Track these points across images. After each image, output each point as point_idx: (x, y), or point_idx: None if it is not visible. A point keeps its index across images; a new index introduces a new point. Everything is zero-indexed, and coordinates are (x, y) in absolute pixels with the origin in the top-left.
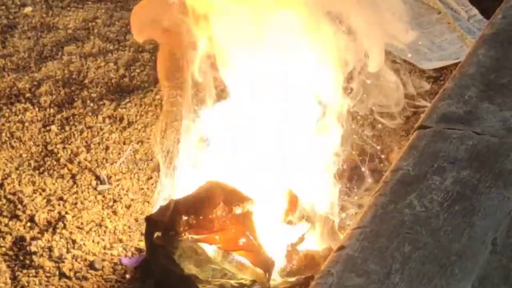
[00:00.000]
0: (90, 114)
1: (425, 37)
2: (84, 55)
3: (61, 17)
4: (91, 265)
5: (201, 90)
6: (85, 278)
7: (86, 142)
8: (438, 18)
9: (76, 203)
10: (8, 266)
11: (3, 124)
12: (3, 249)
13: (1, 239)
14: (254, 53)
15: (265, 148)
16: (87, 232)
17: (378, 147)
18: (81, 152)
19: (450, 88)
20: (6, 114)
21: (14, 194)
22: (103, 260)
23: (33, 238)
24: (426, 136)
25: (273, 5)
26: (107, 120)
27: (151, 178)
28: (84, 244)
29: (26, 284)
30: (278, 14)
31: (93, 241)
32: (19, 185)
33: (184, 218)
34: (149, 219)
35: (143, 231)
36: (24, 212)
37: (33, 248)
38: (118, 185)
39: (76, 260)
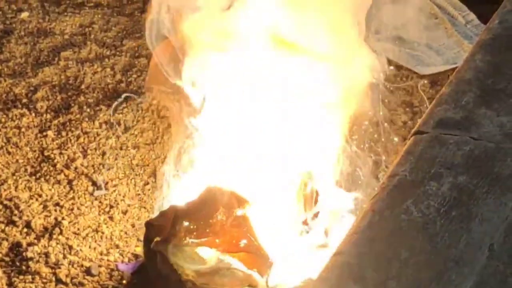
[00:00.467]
0: (86, 119)
1: (422, 42)
2: (80, 61)
3: (57, 22)
4: (88, 271)
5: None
6: (81, 284)
7: (83, 147)
8: (435, 23)
9: (72, 209)
10: (5, 272)
11: None
12: (0, 255)
13: None
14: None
15: (265, 147)
16: (84, 238)
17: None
18: (77, 157)
19: (447, 93)
20: (3, 120)
21: (10, 199)
22: (100, 266)
23: (29, 244)
24: (423, 142)
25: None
26: (103, 126)
27: (147, 183)
28: (80, 250)
29: None
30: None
31: (89, 247)
32: (16, 190)
33: (185, 223)
34: (149, 224)
35: (140, 237)
36: (20, 218)
37: (29, 254)
38: (114, 190)
39: (72, 266)
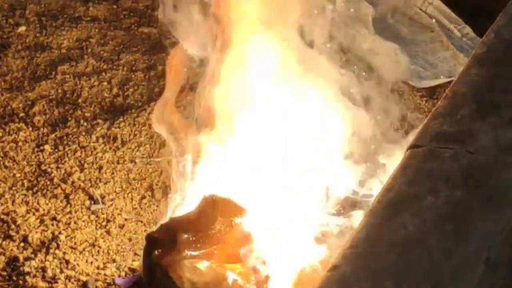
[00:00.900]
0: (83, 133)
1: (418, 55)
2: (77, 75)
3: (54, 36)
4: (85, 285)
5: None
6: None
7: (80, 161)
8: (431, 37)
9: (69, 223)
10: (1, 287)
11: None
12: None
13: None
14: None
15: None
16: (81, 252)
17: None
18: (74, 171)
19: (442, 107)
20: (0, 134)
21: (7, 214)
22: (97, 280)
23: (26, 259)
24: (419, 155)
25: None
26: (100, 140)
27: (144, 197)
28: (77, 264)
29: None
30: None
31: (86, 261)
32: (13, 205)
33: (184, 235)
34: (149, 237)
35: (137, 251)
36: (17, 232)
37: (26, 269)
38: (111, 204)
39: (69, 281)
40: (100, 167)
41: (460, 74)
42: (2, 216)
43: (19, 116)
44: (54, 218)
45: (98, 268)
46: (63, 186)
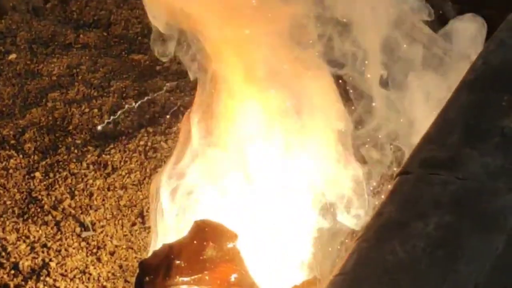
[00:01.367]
0: (74, 160)
1: None
2: (68, 102)
3: (45, 63)
4: None
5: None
6: None
7: (70, 188)
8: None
9: (60, 250)
10: None
11: None
12: None
13: None
14: None
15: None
16: (71, 280)
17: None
18: (65, 198)
19: (431, 133)
20: None
21: None
22: None
23: (17, 286)
24: (408, 182)
25: None
26: (91, 167)
27: (135, 224)
28: None
29: None
30: None
31: None
32: (3, 232)
33: (176, 261)
34: (142, 264)
35: (128, 278)
36: (8, 259)
37: None
38: (102, 231)
39: None
40: (91, 194)
41: (449, 100)
42: None
43: (10, 143)
44: (44, 245)
45: None
46: (54, 213)
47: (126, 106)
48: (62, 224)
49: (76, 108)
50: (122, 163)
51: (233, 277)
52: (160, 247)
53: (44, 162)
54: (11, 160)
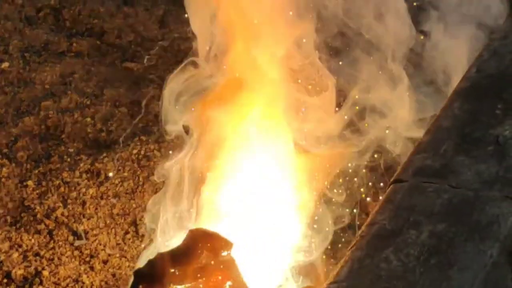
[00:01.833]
0: (67, 169)
1: None
2: (61, 110)
3: (38, 72)
4: None
5: None
6: None
7: (63, 197)
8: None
9: (52, 259)
10: None
11: None
12: None
13: None
14: None
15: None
16: None
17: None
18: (58, 207)
19: (425, 141)
20: None
21: None
22: None
23: None
24: (402, 190)
25: None
26: (84, 175)
27: (128, 233)
28: None
29: None
30: None
31: None
32: None
33: (170, 269)
34: (137, 273)
35: (120, 287)
36: (0, 268)
37: None
38: (95, 240)
39: None
40: (84, 203)
41: (442, 108)
42: None
43: (2, 152)
44: (37, 254)
45: None
46: (47, 221)
47: (119, 114)
48: (55, 232)
49: (69, 117)
50: (115, 172)
51: (227, 285)
52: (155, 256)
53: (36, 171)
54: (4, 169)
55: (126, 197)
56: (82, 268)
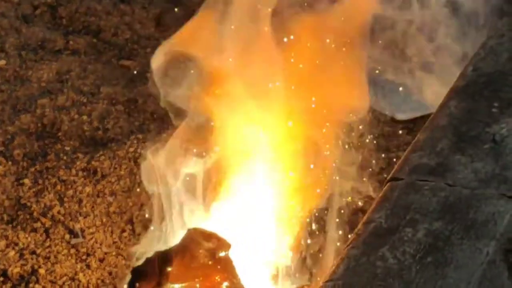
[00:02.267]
0: (63, 167)
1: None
2: (57, 108)
3: (34, 70)
4: None
5: None
6: None
7: (60, 195)
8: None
9: (49, 257)
10: None
11: None
12: None
13: None
14: None
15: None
16: (60, 286)
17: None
18: (54, 205)
19: (422, 139)
20: None
21: None
22: None
23: None
24: (398, 188)
25: None
26: (80, 173)
27: (124, 231)
28: None
29: None
30: None
31: None
32: None
33: (167, 268)
34: (134, 271)
35: (117, 285)
36: None
37: None
38: (91, 238)
39: None
40: (80, 201)
41: (439, 106)
42: None
43: None
44: (33, 252)
45: None
46: (43, 220)
47: (116, 112)
48: (51, 231)
49: (66, 115)
50: (111, 170)
51: (224, 286)
52: (152, 254)
53: (33, 169)
54: (0, 167)
55: (123, 196)
56: (79, 266)
